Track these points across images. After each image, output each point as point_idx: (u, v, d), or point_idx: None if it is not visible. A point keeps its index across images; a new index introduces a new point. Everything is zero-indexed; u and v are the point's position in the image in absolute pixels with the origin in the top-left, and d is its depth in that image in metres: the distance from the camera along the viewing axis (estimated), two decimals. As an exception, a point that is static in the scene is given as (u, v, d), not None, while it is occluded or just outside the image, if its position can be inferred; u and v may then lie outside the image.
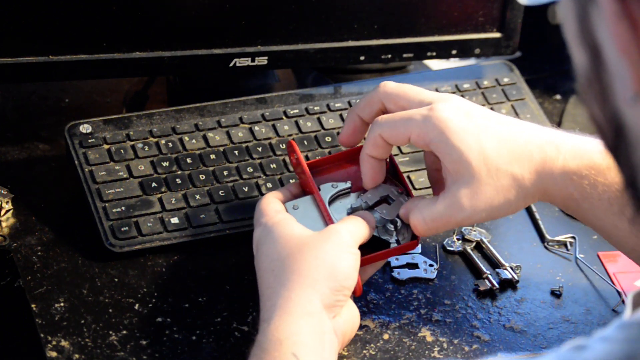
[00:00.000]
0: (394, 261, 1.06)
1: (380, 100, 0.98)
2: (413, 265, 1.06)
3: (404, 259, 1.06)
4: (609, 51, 0.57)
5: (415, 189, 1.12)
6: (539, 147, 0.94)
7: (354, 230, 0.93)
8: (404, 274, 1.05)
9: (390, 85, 0.98)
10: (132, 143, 1.09)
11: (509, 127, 0.95)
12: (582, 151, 0.95)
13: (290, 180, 1.09)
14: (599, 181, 0.94)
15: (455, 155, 0.93)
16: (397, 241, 0.97)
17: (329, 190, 0.98)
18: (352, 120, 1.00)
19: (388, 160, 1.00)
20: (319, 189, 0.97)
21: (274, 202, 0.96)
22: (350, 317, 0.93)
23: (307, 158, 1.12)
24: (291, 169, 1.10)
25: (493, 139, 0.94)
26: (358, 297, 1.00)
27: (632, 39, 0.55)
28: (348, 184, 0.99)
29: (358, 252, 0.92)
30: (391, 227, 0.97)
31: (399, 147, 1.15)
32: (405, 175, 1.13)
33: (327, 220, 0.95)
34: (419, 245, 1.08)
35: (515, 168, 0.93)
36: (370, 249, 0.96)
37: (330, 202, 0.98)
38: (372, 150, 0.97)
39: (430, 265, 1.06)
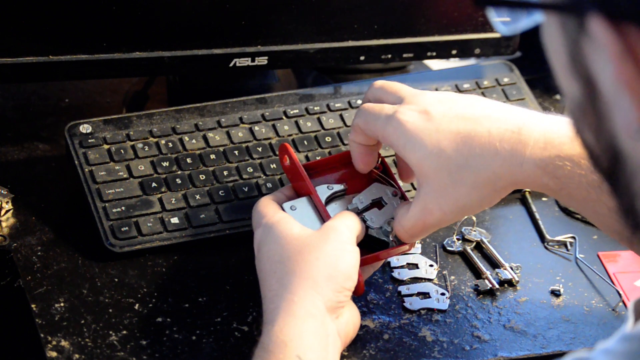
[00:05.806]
0: (394, 261, 1.06)
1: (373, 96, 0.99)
2: (413, 265, 1.06)
3: (404, 259, 1.06)
4: (605, 81, 0.56)
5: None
6: (505, 141, 0.91)
7: (351, 225, 0.93)
8: (404, 274, 1.05)
9: (377, 82, 0.99)
10: (132, 143, 1.09)
11: (472, 121, 0.92)
12: (552, 140, 0.90)
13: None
14: (575, 172, 0.90)
15: (415, 159, 0.92)
16: (395, 241, 0.97)
17: (325, 191, 0.98)
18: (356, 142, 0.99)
19: (380, 161, 1.00)
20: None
21: (271, 203, 0.97)
22: (351, 317, 0.93)
23: (306, 159, 1.12)
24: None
25: (452, 138, 0.92)
26: (358, 297, 1.00)
27: (636, 75, 0.54)
28: (343, 186, 0.99)
29: (357, 249, 0.93)
30: (388, 227, 0.97)
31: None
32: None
33: (326, 220, 0.95)
34: (419, 246, 1.08)
35: (479, 165, 0.91)
36: (368, 249, 0.96)
37: (326, 203, 0.98)
38: (354, 137, 0.98)
39: (431, 266, 1.06)
